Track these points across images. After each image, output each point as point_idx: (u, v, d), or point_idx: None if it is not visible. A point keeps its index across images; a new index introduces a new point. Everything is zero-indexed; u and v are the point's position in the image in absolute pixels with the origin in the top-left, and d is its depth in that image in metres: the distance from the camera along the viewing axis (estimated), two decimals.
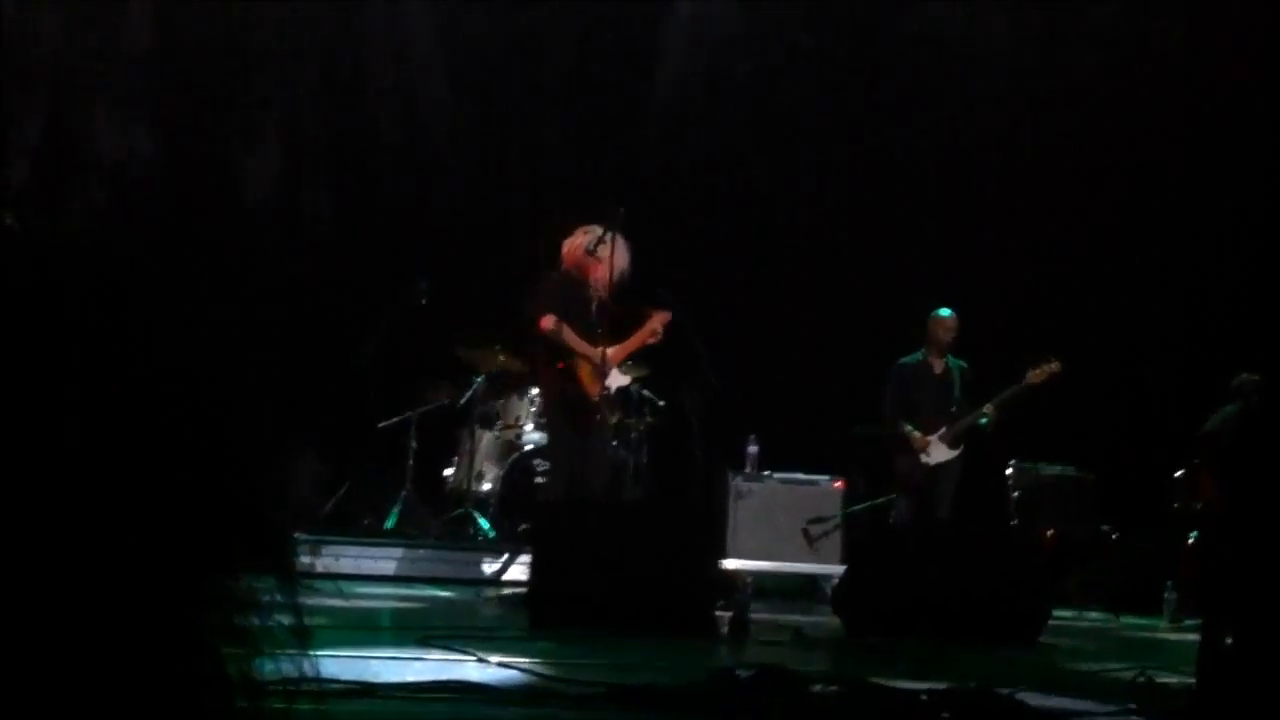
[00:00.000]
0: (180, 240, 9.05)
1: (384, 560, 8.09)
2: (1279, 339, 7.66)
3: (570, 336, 7.02)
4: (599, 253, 7.03)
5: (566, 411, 7.18)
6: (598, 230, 7.06)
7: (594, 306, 7.10)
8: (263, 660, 1.01)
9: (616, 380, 7.24)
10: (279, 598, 1.03)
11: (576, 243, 7.17)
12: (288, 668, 1.02)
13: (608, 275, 6.98)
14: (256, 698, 1.01)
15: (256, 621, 1.02)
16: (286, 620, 1.03)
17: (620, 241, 7.04)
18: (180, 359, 1.07)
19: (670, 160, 10.87)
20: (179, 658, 0.99)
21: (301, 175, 10.41)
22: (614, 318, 7.12)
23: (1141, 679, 4.43)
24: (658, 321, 7.22)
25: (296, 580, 1.04)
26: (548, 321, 6.97)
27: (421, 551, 8.31)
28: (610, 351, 7.06)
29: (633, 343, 7.23)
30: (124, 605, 0.97)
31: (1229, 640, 2.05)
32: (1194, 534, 7.96)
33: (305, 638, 1.03)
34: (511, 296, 7.48)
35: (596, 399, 7.01)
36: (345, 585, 7.24)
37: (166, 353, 1.06)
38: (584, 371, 7.04)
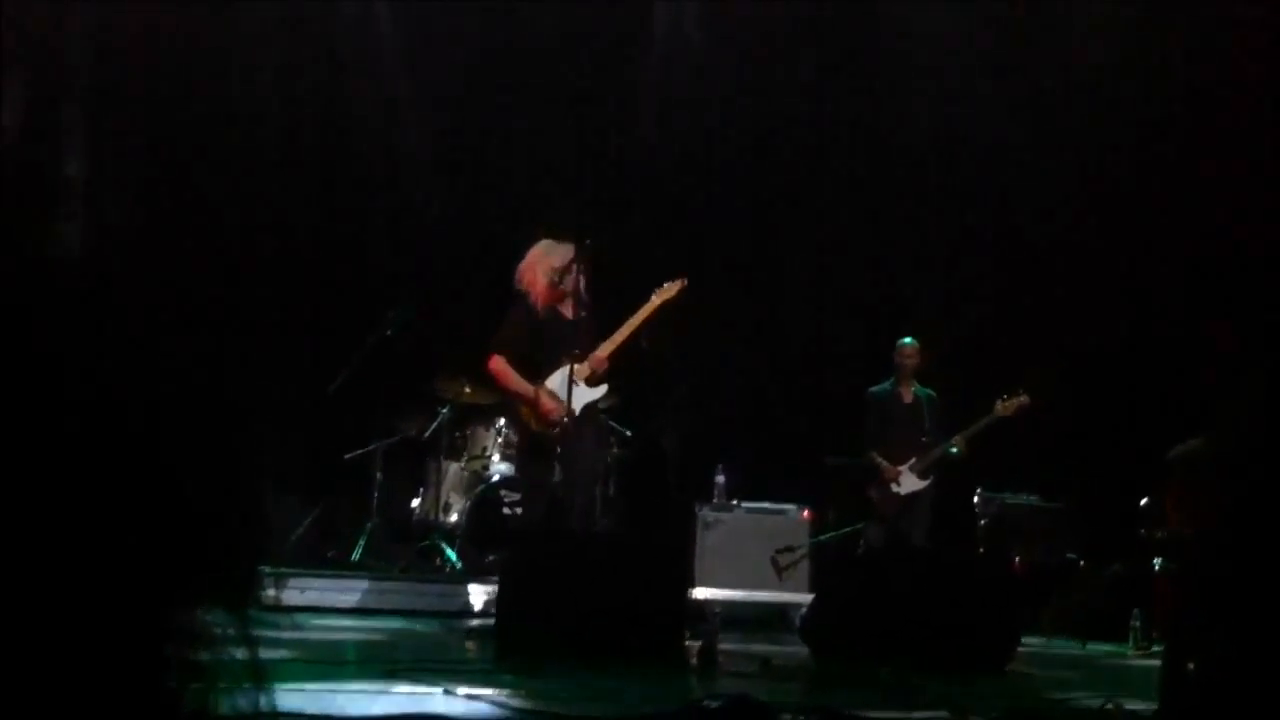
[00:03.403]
0: (154, 263, 8.98)
1: (350, 592, 8.02)
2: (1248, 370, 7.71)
3: (507, 375, 7.00)
4: (565, 284, 7.00)
5: (524, 445, 7.29)
6: (554, 250, 7.03)
7: (562, 334, 7.04)
8: (218, 695, 0.99)
9: (583, 397, 6.95)
10: (234, 632, 1.01)
11: (533, 266, 7.08)
12: (244, 703, 1.00)
13: (574, 304, 6.99)
14: None
15: (212, 656, 1.00)
16: (242, 655, 1.01)
17: (555, 246, 7.02)
18: (152, 386, 1.05)
19: (642, 187, 10.89)
20: (136, 692, 0.98)
21: (273, 202, 10.37)
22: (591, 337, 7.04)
23: (1109, 706, 4.44)
24: (645, 313, 7.03)
25: (251, 614, 1.02)
26: (493, 363, 7.03)
27: (388, 583, 8.25)
28: (591, 358, 6.91)
29: (618, 338, 7.01)
30: (83, 636, 0.95)
31: (1191, 665, 2.05)
32: (1158, 561, 8.00)
33: (261, 672, 1.02)
34: (479, 327, 7.43)
35: (543, 429, 6.95)
36: (311, 618, 7.18)
37: (139, 380, 1.05)
38: (528, 405, 7.00)
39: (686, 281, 7.06)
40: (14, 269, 1.05)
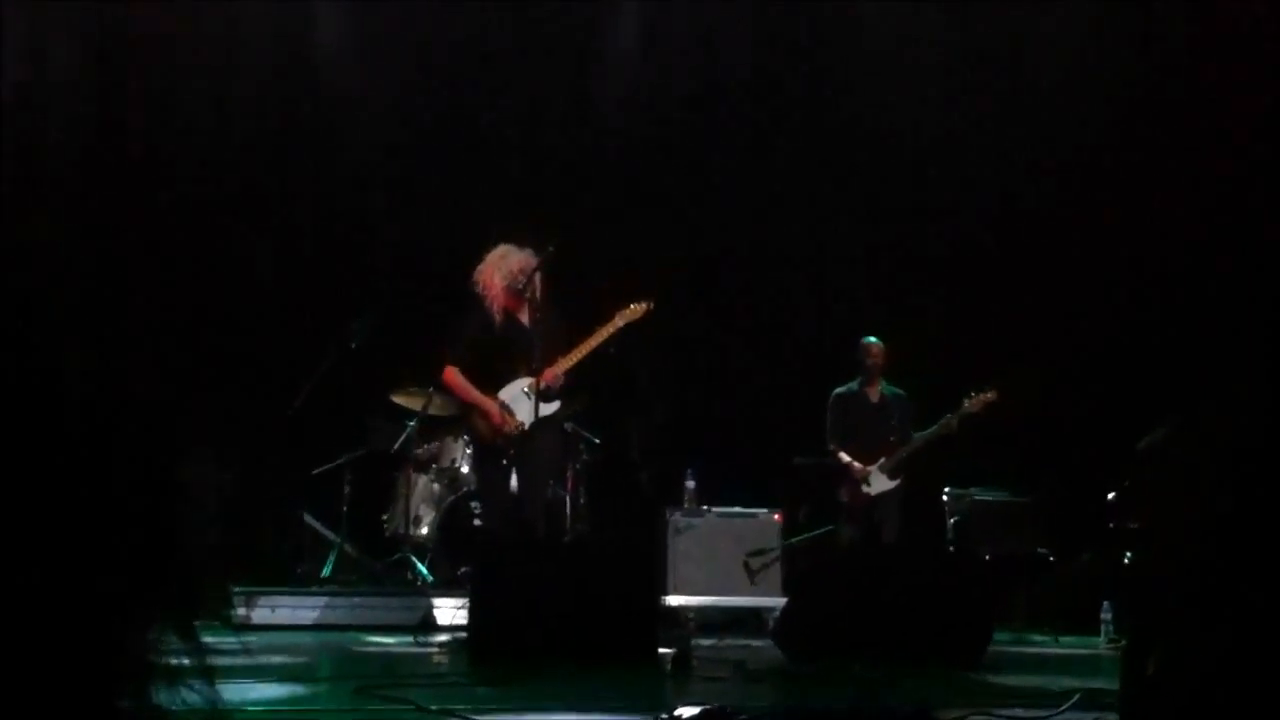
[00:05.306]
0: (113, 282, 8.92)
1: (320, 609, 7.97)
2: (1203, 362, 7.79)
3: (462, 387, 7.01)
4: (525, 290, 6.98)
5: (477, 454, 7.42)
6: (513, 254, 7.01)
7: (518, 341, 7.01)
8: (170, 712, 0.98)
9: (539, 411, 6.89)
10: (186, 649, 1.00)
11: (491, 269, 7.04)
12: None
13: (531, 310, 6.97)
14: None
15: (161, 672, 0.99)
16: (193, 671, 0.99)
17: (515, 250, 7.00)
18: (107, 404, 1.04)
19: (605, 190, 10.86)
20: (84, 708, 0.96)
21: (232, 214, 10.31)
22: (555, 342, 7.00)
23: (1079, 698, 4.45)
24: (606, 331, 7.03)
25: (201, 631, 1.01)
26: (448, 376, 7.08)
27: (358, 598, 8.20)
28: (547, 373, 6.88)
29: (576, 355, 7.00)
30: (28, 654, 0.93)
31: (1151, 665, 2.05)
32: (1129, 554, 8.04)
33: (213, 690, 1.00)
34: (439, 338, 7.38)
35: (494, 440, 6.95)
36: (281, 635, 7.13)
37: (92, 398, 1.03)
38: (481, 415, 7.01)
39: (652, 305, 7.08)
40: None
